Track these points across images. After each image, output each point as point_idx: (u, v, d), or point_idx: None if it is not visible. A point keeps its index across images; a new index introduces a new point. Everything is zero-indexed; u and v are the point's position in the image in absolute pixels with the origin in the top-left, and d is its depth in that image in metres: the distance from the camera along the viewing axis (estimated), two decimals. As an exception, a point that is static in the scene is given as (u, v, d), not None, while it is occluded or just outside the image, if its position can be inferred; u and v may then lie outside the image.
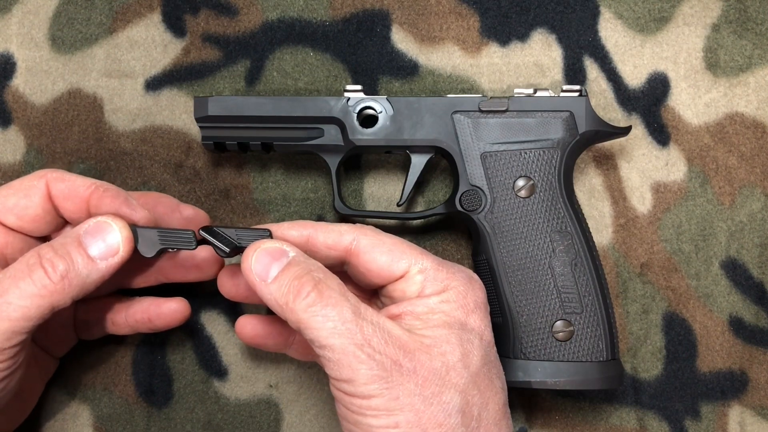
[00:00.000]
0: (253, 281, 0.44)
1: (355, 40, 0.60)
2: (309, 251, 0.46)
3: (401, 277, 0.46)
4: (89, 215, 0.47)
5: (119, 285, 0.54)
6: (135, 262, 0.49)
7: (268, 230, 0.46)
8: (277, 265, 0.44)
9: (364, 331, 0.41)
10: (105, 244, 0.45)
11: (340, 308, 0.41)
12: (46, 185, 0.47)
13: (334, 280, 0.43)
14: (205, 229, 0.46)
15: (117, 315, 0.53)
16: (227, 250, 0.45)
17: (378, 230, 0.47)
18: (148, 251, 0.46)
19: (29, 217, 0.47)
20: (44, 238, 0.50)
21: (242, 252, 0.45)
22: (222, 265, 0.53)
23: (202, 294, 0.59)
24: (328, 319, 0.41)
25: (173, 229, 0.47)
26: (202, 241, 0.47)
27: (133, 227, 0.46)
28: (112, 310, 0.53)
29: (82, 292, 0.44)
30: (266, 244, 0.45)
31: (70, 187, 0.47)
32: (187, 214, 0.53)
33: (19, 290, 0.42)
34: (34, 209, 0.47)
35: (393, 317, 0.45)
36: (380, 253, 0.46)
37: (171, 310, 0.53)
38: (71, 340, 0.55)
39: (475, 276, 0.48)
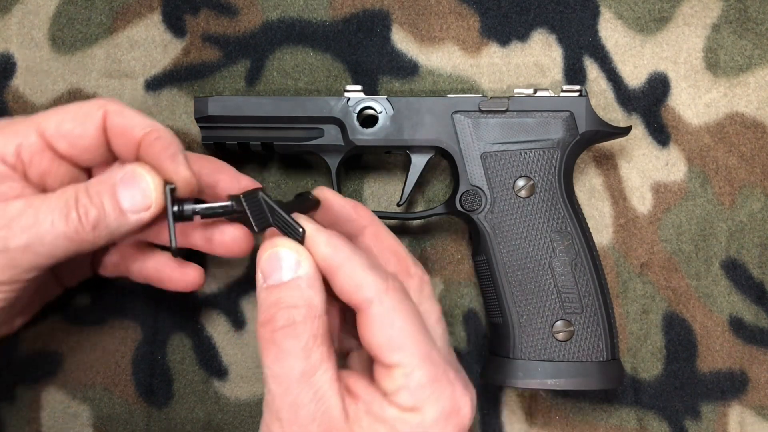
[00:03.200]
0: (257, 272, 0.43)
1: (355, 40, 0.60)
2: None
3: (385, 365, 0.42)
4: (137, 158, 0.45)
5: (143, 237, 0.52)
6: (163, 220, 0.46)
7: (303, 229, 0.43)
8: (278, 275, 0.42)
9: (299, 398, 0.40)
10: (138, 197, 0.43)
11: (292, 362, 0.40)
12: (104, 117, 0.45)
13: (308, 332, 0.41)
14: (248, 196, 0.43)
15: (133, 263, 0.52)
16: (256, 229, 0.43)
17: (404, 295, 0.43)
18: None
19: (81, 147, 0.45)
20: (89, 170, 0.48)
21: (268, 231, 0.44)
22: (250, 249, 0.51)
23: (202, 294, 0.59)
24: (276, 364, 0.41)
25: (210, 203, 0.45)
26: (239, 218, 0.44)
27: (170, 186, 0.44)
28: (130, 257, 0.52)
29: (109, 241, 0.44)
30: (285, 248, 0.43)
31: (126, 125, 0.44)
32: (244, 185, 0.51)
33: (52, 228, 0.42)
34: (88, 140, 0.45)
35: (350, 390, 0.42)
36: (382, 331, 0.42)
37: (184, 276, 0.51)
38: (85, 274, 0.54)
39: (465, 412, 0.42)
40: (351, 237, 0.48)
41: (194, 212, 0.44)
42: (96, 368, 0.58)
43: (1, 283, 0.42)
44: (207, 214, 0.44)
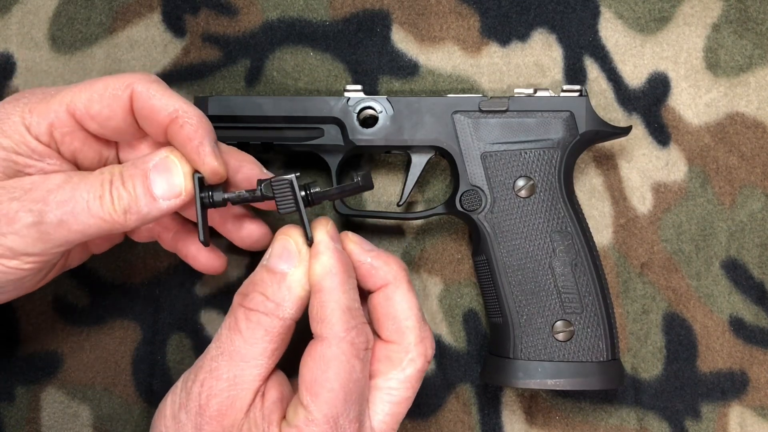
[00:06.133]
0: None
1: (355, 40, 0.60)
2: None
3: (299, 398, 0.43)
4: (166, 142, 0.45)
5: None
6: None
7: (311, 237, 0.45)
8: (278, 260, 0.44)
9: (220, 370, 0.42)
10: (169, 184, 0.44)
11: (237, 338, 0.43)
12: (130, 98, 0.44)
13: (264, 325, 0.43)
14: (276, 182, 0.44)
15: (166, 231, 0.52)
16: (280, 212, 0.45)
17: (354, 352, 0.43)
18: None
19: (111, 128, 0.45)
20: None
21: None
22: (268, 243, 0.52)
23: (202, 294, 0.59)
24: (226, 330, 0.44)
25: (239, 190, 0.46)
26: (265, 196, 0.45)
27: (198, 175, 0.44)
28: (165, 225, 0.52)
29: (139, 224, 0.44)
30: (294, 245, 0.45)
31: (152, 109, 0.44)
32: (265, 173, 0.51)
33: (86, 207, 0.42)
34: (116, 121, 0.45)
35: (265, 395, 0.44)
36: (313, 370, 0.43)
37: (207, 260, 0.53)
38: (114, 242, 0.54)
39: None
40: (366, 291, 0.48)
41: (224, 199, 0.45)
42: (96, 368, 0.58)
43: (31, 254, 0.43)
44: (237, 201, 0.45)
